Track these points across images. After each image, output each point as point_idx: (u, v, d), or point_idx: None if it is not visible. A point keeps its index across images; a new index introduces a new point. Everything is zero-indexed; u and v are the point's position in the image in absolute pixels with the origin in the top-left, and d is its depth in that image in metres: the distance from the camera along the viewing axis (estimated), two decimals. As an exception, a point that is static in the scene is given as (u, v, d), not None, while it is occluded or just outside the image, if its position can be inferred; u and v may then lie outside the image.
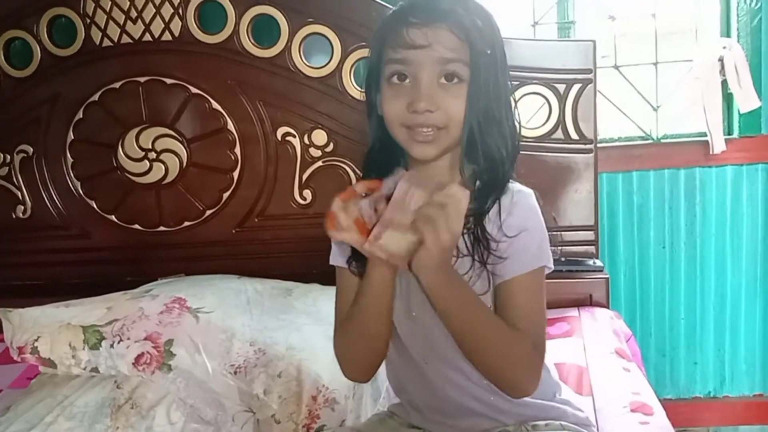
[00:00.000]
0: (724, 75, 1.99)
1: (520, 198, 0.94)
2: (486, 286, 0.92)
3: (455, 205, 0.78)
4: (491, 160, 0.92)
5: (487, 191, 0.93)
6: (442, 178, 0.94)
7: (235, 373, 1.40)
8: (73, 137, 1.92)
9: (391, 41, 0.89)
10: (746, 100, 1.98)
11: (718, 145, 2.00)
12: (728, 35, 2.04)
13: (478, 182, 0.94)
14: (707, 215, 2.09)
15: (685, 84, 2.08)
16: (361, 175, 1.00)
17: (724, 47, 1.98)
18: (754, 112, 2.00)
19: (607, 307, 1.81)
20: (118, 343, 1.44)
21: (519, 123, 0.96)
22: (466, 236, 0.92)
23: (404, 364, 1.01)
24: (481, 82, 0.89)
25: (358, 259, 0.94)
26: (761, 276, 2.11)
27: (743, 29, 2.01)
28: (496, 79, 0.91)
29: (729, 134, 2.06)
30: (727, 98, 2.06)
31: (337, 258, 1.00)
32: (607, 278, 1.82)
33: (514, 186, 0.95)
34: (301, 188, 1.88)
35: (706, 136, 2.01)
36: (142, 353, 1.43)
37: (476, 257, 0.91)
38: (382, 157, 0.96)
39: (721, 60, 1.98)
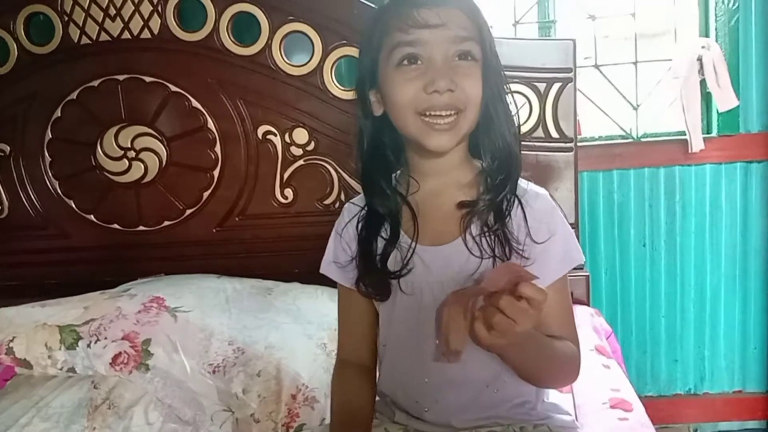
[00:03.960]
0: (702, 74, 2.01)
1: (543, 202, 0.92)
2: None
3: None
4: (503, 147, 0.90)
5: (502, 184, 0.91)
6: (452, 174, 0.93)
7: (214, 372, 1.39)
8: (51, 136, 1.89)
9: (400, 24, 0.86)
10: (724, 99, 1.99)
11: (697, 143, 2.02)
12: (707, 35, 2.06)
13: (488, 179, 0.92)
14: (687, 213, 2.11)
15: (664, 83, 2.09)
16: (358, 181, 0.98)
17: (703, 47, 2.00)
18: (732, 111, 2.02)
19: (588, 305, 1.82)
20: (95, 342, 1.43)
21: (515, 105, 0.94)
22: (488, 236, 0.90)
23: (396, 375, 0.99)
24: (491, 61, 0.88)
25: (370, 284, 0.95)
26: (740, 274, 2.13)
27: (721, 29, 2.03)
28: (498, 59, 0.91)
29: (708, 133, 2.08)
30: (706, 97, 2.07)
31: (332, 272, 0.99)
32: (588, 276, 1.83)
33: (531, 186, 0.94)
34: (282, 187, 1.86)
35: (685, 135, 2.03)
36: (120, 353, 1.42)
37: (500, 258, 0.89)
38: (380, 161, 0.94)
39: (699, 59, 2.00)
